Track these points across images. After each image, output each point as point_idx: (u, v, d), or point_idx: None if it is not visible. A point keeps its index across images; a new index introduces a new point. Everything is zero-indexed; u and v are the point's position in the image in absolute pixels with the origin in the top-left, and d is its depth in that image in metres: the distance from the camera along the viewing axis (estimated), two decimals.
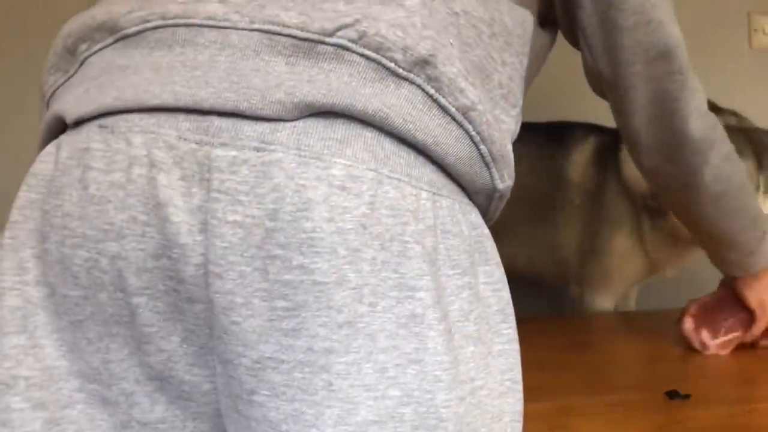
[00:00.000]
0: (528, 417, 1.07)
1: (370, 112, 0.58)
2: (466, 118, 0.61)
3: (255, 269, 0.55)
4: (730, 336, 1.30)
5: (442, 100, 0.60)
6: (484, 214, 0.68)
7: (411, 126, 0.59)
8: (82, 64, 0.64)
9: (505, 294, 0.66)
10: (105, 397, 0.60)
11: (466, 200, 0.64)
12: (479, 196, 0.66)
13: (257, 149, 0.56)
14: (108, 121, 0.59)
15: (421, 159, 0.60)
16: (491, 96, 0.65)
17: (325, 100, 0.57)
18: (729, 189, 1.05)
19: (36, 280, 0.59)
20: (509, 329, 0.66)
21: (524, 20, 0.68)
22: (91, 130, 0.59)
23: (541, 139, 1.77)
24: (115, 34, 0.62)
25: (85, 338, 0.59)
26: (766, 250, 1.16)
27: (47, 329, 0.59)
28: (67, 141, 0.60)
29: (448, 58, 0.60)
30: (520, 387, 0.67)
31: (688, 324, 1.33)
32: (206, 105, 0.57)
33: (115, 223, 0.57)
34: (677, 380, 1.13)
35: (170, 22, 0.60)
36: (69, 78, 0.65)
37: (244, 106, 0.57)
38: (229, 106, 0.57)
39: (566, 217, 1.73)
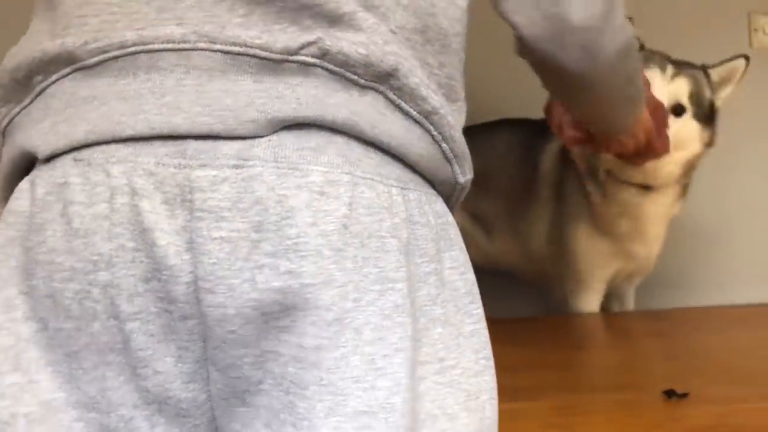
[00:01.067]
0: (525, 415, 1.07)
1: (339, 121, 0.60)
2: (428, 120, 0.64)
3: (244, 281, 0.58)
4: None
5: (404, 106, 0.63)
6: (447, 203, 0.71)
7: (377, 131, 0.62)
8: (39, 94, 0.64)
9: (470, 276, 0.69)
10: (104, 424, 0.61)
11: (431, 191, 0.67)
12: (443, 187, 0.69)
13: (236, 166, 0.58)
14: (83, 154, 0.60)
15: (387, 158, 0.63)
16: None
17: (295, 114, 0.59)
18: (618, 84, 1.02)
19: (25, 316, 0.61)
20: (478, 309, 0.68)
21: (462, 15, 0.70)
22: (66, 164, 0.60)
23: (526, 133, 1.80)
24: (72, 65, 0.62)
25: (81, 368, 0.61)
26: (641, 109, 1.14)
27: (41, 363, 0.61)
28: (42, 177, 0.61)
29: (411, 71, 0.63)
30: (492, 364, 0.69)
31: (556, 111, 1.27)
32: (182, 130, 0.59)
33: (104, 253, 0.58)
34: (675, 379, 1.13)
35: (130, 50, 0.60)
36: (24, 108, 0.65)
37: (219, 128, 0.58)
38: (205, 129, 0.58)
39: (537, 211, 1.75)
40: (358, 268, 0.59)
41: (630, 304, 1.88)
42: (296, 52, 0.60)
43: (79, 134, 0.60)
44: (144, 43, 0.60)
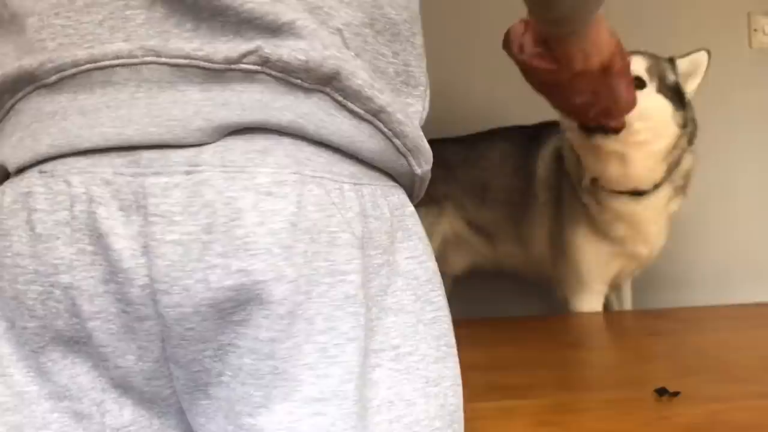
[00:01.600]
0: (517, 413, 1.08)
1: (284, 124, 0.63)
2: (376, 118, 0.66)
3: (197, 281, 0.60)
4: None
5: (350, 105, 0.65)
6: (410, 194, 0.72)
7: (324, 131, 0.64)
8: (9, 110, 0.67)
9: (431, 264, 0.70)
10: (77, 411, 0.64)
11: (390, 183, 0.69)
12: (403, 179, 0.71)
13: (186, 172, 0.61)
14: (47, 166, 0.63)
15: (338, 156, 0.65)
16: (393, 88, 0.69)
17: (240, 120, 0.62)
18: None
19: None
20: (439, 297, 0.69)
21: (408, 2, 0.71)
22: (32, 176, 0.63)
23: (520, 140, 1.83)
24: (34, 83, 0.65)
25: (50, 361, 0.64)
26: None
27: (12, 359, 0.64)
28: (11, 187, 0.64)
29: (353, 73, 0.64)
30: (455, 351, 0.70)
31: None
32: (134, 141, 0.62)
33: (65, 257, 0.61)
34: (667, 378, 1.14)
35: (83, 68, 0.63)
36: None
37: (168, 137, 0.61)
38: (155, 139, 0.61)
39: (535, 215, 1.77)
40: (308, 262, 0.61)
41: (628, 303, 1.89)
42: (237, 61, 0.62)
43: (42, 148, 0.63)
44: (95, 61, 0.63)
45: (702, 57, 1.66)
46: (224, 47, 0.62)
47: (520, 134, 1.83)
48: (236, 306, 0.61)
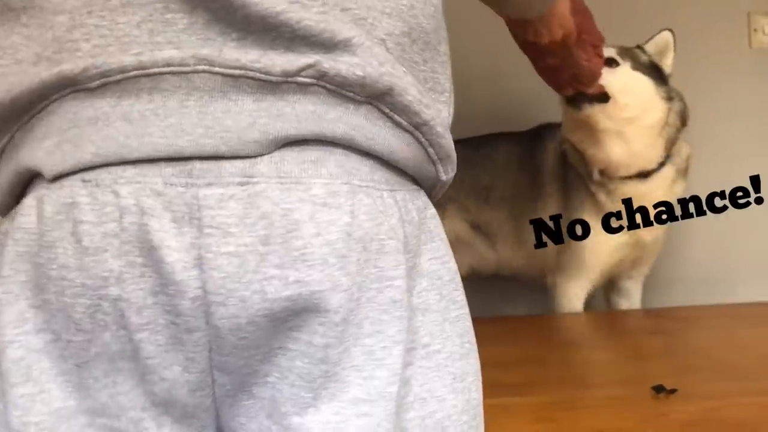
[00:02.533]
0: (516, 410, 1.09)
1: (338, 135, 0.63)
2: (418, 130, 0.67)
3: (254, 292, 0.60)
4: None
5: (396, 118, 0.66)
6: (429, 195, 0.74)
7: (372, 142, 0.65)
8: (39, 112, 0.64)
9: (453, 265, 0.71)
10: (114, 427, 0.64)
11: (414, 187, 0.70)
12: (426, 182, 0.72)
13: (241, 184, 0.61)
14: (90, 175, 0.61)
15: (378, 164, 0.66)
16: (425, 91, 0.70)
17: (296, 132, 0.62)
18: None
19: (37, 328, 0.63)
20: (461, 296, 0.71)
21: (436, 11, 0.72)
22: (74, 185, 0.61)
23: (524, 139, 1.88)
24: (73, 86, 0.63)
25: (91, 377, 0.63)
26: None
27: (52, 373, 0.63)
28: (50, 196, 0.62)
29: (405, 89, 0.65)
30: (476, 347, 0.72)
31: None
32: (186, 152, 0.61)
33: (114, 270, 0.60)
34: (664, 376, 1.15)
35: (131, 74, 0.62)
36: (23, 125, 0.66)
37: (223, 149, 0.61)
38: (209, 150, 0.61)
39: (543, 208, 1.78)
40: (360, 270, 0.62)
41: (636, 301, 1.89)
42: (295, 74, 0.62)
43: (86, 156, 0.62)
44: (143, 68, 0.62)
45: (665, 35, 1.74)
46: (280, 60, 0.62)
47: (522, 135, 1.88)
48: (291, 315, 0.61)
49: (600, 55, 1.39)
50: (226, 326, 0.61)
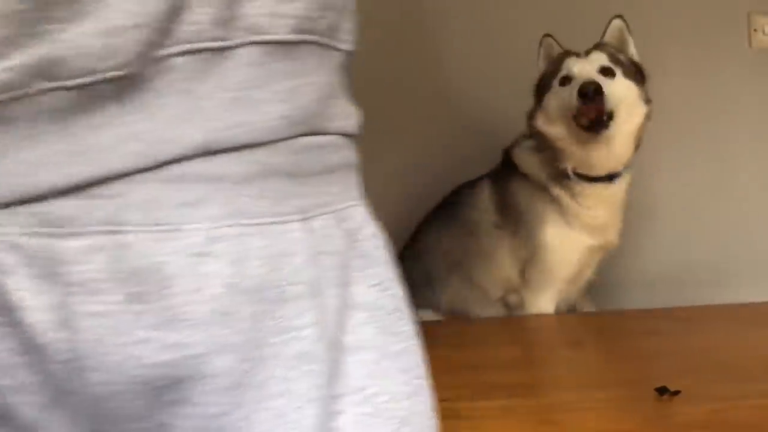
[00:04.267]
0: (518, 412, 1.09)
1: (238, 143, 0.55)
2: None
3: (128, 356, 0.54)
4: None
5: None
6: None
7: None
8: None
9: (398, 291, 0.63)
10: None
11: (344, 204, 0.61)
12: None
13: (109, 233, 0.53)
14: None
15: (286, 189, 0.58)
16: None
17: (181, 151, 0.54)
18: None
19: None
20: (406, 326, 0.63)
21: None
22: None
23: (447, 204, 1.86)
24: None
25: None
26: None
27: None
28: None
29: None
30: (426, 383, 0.63)
31: None
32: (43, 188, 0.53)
33: None
34: (667, 377, 1.14)
35: None
36: None
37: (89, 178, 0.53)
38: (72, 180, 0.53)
39: (496, 244, 1.76)
40: (254, 324, 0.55)
41: (588, 304, 1.86)
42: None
43: None
44: None
45: (617, 23, 1.75)
46: None
47: (443, 203, 1.87)
48: (174, 383, 0.54)
49: None
50: (100, 393, 0.54)
